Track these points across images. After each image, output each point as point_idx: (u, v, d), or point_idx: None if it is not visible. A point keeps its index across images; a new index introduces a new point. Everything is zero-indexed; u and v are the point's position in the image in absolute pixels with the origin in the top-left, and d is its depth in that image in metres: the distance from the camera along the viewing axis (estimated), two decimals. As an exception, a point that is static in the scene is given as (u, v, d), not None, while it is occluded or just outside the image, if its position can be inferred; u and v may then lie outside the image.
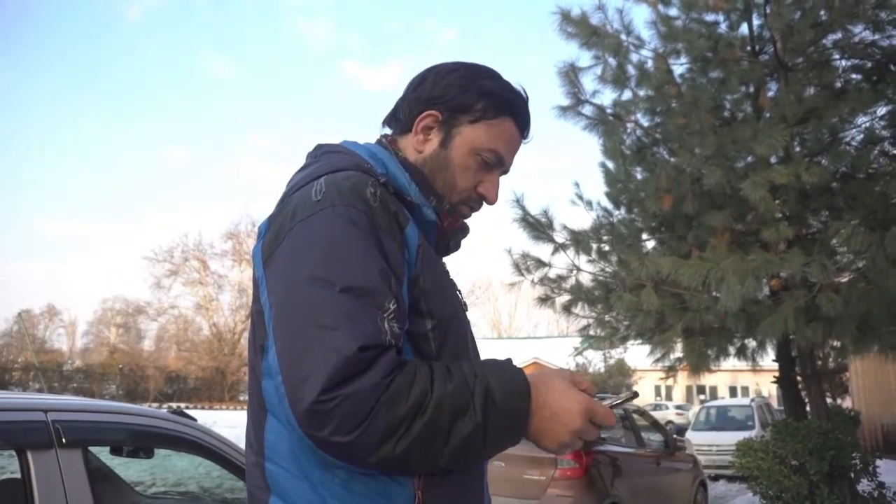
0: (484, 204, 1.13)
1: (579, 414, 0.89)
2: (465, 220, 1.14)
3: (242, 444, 2.27)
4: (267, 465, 0.93)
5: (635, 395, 1.06)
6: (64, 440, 1.57)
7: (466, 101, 1.06)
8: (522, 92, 1.12)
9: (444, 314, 0.97)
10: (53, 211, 70.21)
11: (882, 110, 6.25)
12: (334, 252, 0.87)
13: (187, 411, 2.21)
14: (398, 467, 0.83)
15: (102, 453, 2.25)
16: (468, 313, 1.11)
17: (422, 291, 0.95)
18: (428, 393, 0.81)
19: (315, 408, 0.78)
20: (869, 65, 6.44)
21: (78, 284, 72.35)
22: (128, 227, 72.07)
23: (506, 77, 1.12)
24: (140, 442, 1.88)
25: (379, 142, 1.13)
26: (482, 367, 0.88)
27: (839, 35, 6.19)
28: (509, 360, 0.94)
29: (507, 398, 0.86)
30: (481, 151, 1.07)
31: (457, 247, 1.15)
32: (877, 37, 6.24)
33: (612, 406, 0.97)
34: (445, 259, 1.14)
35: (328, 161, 1.03)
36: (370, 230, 0.90)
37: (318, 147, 1.11)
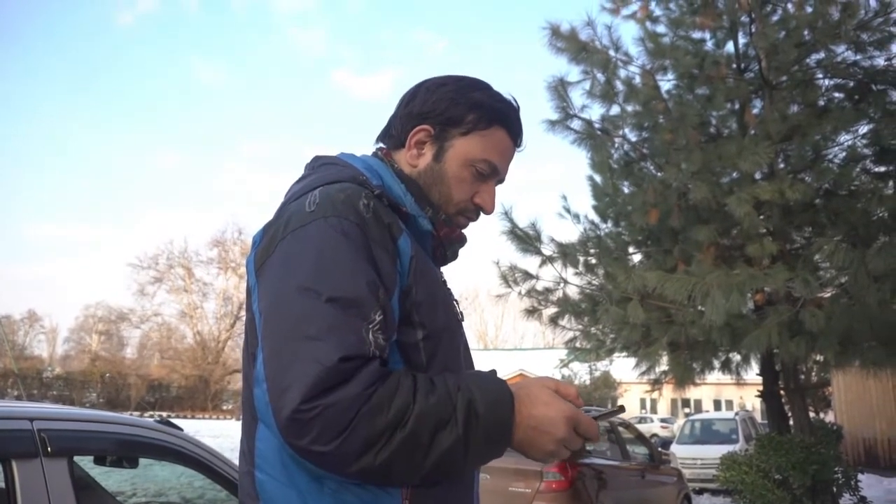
0: (481, 214, 1.14)
1: (562, 422, 0.89)
2: (463, 231, 1.15)
3: (226, 454, 2.26)
4: (257, 474, 0.93)
5: (622, 409, 1.06)
6: (50, 449, 1.55)
7: (457, 114, 1.07)
8: (513, 101, 1.13)
9: (436, 325, 0.97)
10: (36, 214, 69.10)
11: (864, 129, 6.39)
12: (323, 262, 0.87)
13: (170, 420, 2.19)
14: (379, 478, 0.83)
15: (84, 462, 2.22)
16: (465, 325, 1.12)
17: (414, 303, 0.95)
18: (410, 405, 0.82)
19: (296, 416, 0.78)
20: (851, 84, 6.57)
21: (60, 290, 71.22)
22: (112, 232, 71.23)
23: (496, 88, 1.14)
24: (126, 451, 1.86)
25: (375, 154, 1.14)
26: (466, 380, 0.89)
27: (822, 55, 6.32)
28: (493, 372, 0.94)
29: (490, 411, 0.86)
30: (475, 162, 1.08)
31: (454, 257, 1.16)
32: (858, 57, 6.38)
33: (598, 419, 0.97)
34: (447, 270, 1.16)
35: (325, 173, 1.04)
36: (361, 241, 0.90)
37: (316, 159, 1.12)
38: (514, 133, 1.12)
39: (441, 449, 0.82)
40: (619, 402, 1.02)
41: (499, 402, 0.87)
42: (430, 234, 1.07)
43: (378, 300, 0.87)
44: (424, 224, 1.05)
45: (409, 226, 1.02)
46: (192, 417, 34.68)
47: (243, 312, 1.01)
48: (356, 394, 0.79)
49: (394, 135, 1.12)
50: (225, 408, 41.64)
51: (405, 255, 0.95)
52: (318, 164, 1.09)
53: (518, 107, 1.14)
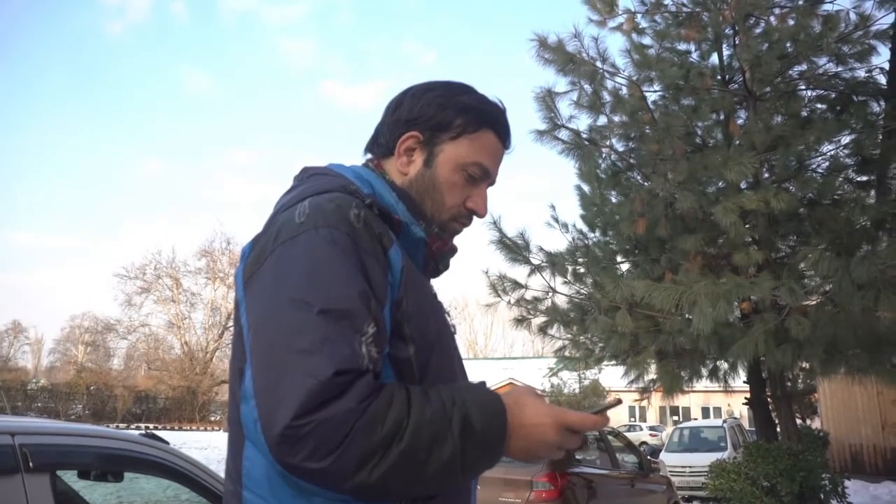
0: (474, 218, 1.13)
1: (552, 427, 0.89)
2: (454, 241, 1.14)
3: (213, 466, 2.24)
4: (244, 494, 0.90)
5: (618, 402, 1.06)
6: (31, 464, 1.52)
7: (445, 119, 1.07)
8: (499, 103, 1.13)
9: (428, 339, 0.96)
10: (22, 222, 68.53)
11: (846, 139, 6.48)
12: (314, 273, 0.85)
13: (157, 432, 2.17)
14: (375, 494, 0.80)
15: (67, 475, 2.20)
16: (456, 337, 1.10)
17: (405, 315, 0.93)
18: (405, 419, 0.80)
19: (287, 433, 0.76)
20: (833, 95, 6.68)
21: (46, 300, 70.56)
22: (100, 242, 70.78)
23: (482, 92, 1.14)
24: (111, 466, 1.83)
25: (365, 165, 1.13)
26: (460, 392, 0.88)
27: (804, 66, 6.43)
28: (483, 384, 0.93)
29: (485, 423, 0.85)
30: (466, 166, 1.07)
31: (446, 268, 1.14)
32: (840, 69, 6.49)
33: (596, 412, 0.96)
34: (436, 280, 1.14)
35: (314, 183, 1.02)
36: (352, 251, 0.88)
37: (305, 170, 1.10)
38: (503, 135, 1.12)
39: (438, 463, 0.81)
40: (616, 397, 1.02)
41: (493, 414, 0.86)
42: (423, 243, 1.04)
43: (370, 311, 0.86)
44: (417, 231, 1.02)
45: (401, 235, 1.00)
46: (180, 429, 34.26)
47: (231, 323, 0.99)
48: (351, 408, 0.77)
49: (382, 143, 1.11)
50: (213, 419, 41.13)
51: (396, 266, 0.94)
52: (307, 175, 1.07)
53: (504, 109, 1.13)
